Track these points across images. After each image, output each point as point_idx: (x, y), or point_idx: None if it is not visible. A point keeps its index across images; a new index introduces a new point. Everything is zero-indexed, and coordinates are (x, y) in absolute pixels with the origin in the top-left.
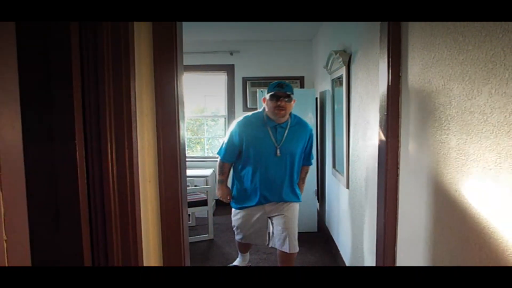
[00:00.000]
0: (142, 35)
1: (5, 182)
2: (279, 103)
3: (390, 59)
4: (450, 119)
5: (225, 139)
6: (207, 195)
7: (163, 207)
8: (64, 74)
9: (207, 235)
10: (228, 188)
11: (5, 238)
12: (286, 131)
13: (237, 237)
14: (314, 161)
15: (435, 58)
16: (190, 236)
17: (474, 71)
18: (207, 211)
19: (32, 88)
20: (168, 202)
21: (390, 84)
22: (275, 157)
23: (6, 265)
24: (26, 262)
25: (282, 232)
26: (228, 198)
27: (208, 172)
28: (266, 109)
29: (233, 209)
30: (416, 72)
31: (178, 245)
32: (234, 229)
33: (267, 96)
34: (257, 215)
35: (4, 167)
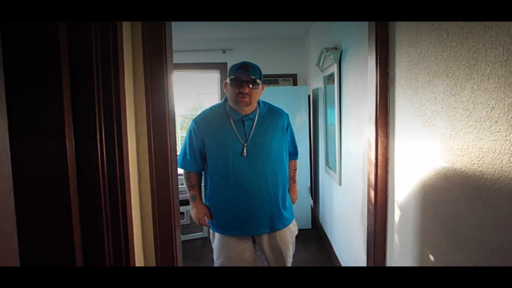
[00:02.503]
0: (132, 34)
1: None
2: (242, 89)
3: (378, 56)
4: (436, 115)
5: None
6: None
7: (155, 205)
8: (53, 72)
9: (201, 233)
10: (204, 205)
11: None
12: (255, 123)
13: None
14: (297, 154)
15: (421, 54)
16: (184, 234)
17: (457, 67)
18: None
19: (19, 88)
20: (160, 200)
21: (378, 81)
22: (242, 158)
23: None
24: (14, 262)
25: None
26: (206, 218)
27: None
28: (228, 98)
29: (211, 231)
30: (403, 69)
31: (170, 242)
32: (214, 257)
33: (228, 81)
34: (244, 244)
35: None
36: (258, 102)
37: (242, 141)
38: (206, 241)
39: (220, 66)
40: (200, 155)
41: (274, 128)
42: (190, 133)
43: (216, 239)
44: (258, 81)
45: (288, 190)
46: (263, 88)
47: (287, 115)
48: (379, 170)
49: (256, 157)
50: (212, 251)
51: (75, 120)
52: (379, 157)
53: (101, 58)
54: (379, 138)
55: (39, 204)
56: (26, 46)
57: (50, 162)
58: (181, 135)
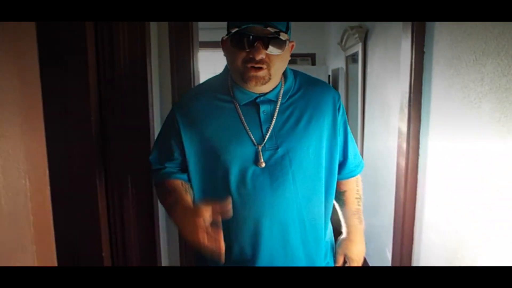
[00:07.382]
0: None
1: (32, 187)
2: (252, 53)
3: (414, 34)
4: (482, 96)
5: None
6: None
7: None
8: (81, 72)
9: None
10: (198, 206)
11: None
12: (277, 107)
13: None
14: (360, 164)
15: (466, 32)
16: None
17: (511, 45)
18: None
19: (49, 90)
20: None
21: (413, 60)
22: (258, 171)
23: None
24: (52, 262)
25: None
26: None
27: None
28: (229, 67)
29: None
30: (443, 47)
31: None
32: None
33: (227, 37)
34: None
35: (31, 172)
36: (285, 73)
37: (255, 141)
38: None
39: None
40: (179, 159)
41: (312, 116)
42: (166, 127)
43: None
44: (282, 36)
45: (346, 239)
46: (293, 47)
47: (338, 95)
48: (411, 156)
49: (282, 171)
50: None
51: (102, 121)
52: (411, 141)
53: (129, 56)
54: (411, 121)
55: (68, 205)
56: (54, 47)
57: (78, 163)
58: None
